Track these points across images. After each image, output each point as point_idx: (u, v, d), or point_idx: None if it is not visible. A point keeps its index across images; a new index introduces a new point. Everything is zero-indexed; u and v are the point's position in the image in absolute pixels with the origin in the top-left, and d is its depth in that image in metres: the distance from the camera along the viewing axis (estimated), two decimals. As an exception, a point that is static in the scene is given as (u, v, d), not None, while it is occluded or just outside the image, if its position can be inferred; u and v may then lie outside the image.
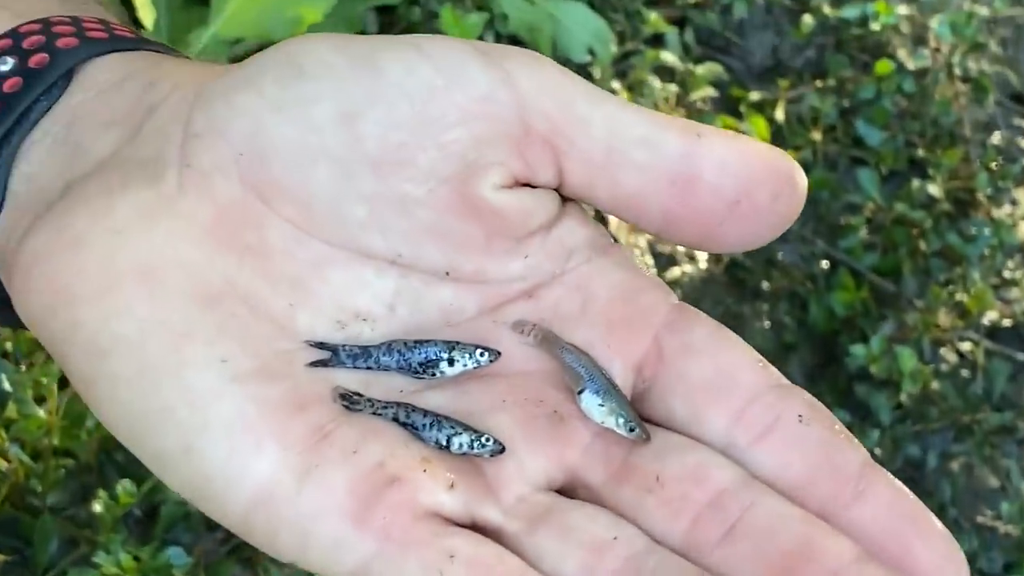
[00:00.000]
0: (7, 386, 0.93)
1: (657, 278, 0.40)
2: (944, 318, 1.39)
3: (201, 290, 0.37)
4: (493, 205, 0.38)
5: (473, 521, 0.36)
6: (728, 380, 0.37)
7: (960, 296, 1.40)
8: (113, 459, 1.03)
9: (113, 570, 0.91)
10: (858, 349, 1.31)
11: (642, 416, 0.38)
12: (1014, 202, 1.57)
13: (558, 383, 0.38)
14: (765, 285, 1.42)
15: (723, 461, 0.36)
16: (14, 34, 0.40)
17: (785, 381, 0.37)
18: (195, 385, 0.36)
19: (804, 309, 1.42)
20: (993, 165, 1.53)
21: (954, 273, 1.42)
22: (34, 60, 0.39)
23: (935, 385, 1.36)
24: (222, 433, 0.35)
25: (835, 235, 1.47)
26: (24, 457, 0.96)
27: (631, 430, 0.37)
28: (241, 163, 0.37)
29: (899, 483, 0.35)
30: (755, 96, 1.50)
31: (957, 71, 1.58)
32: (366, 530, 0.35)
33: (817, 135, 1.50)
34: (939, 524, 0.35)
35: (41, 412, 0.95)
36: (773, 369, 0.38)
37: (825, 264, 1.45)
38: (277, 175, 0.37)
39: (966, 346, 1.42)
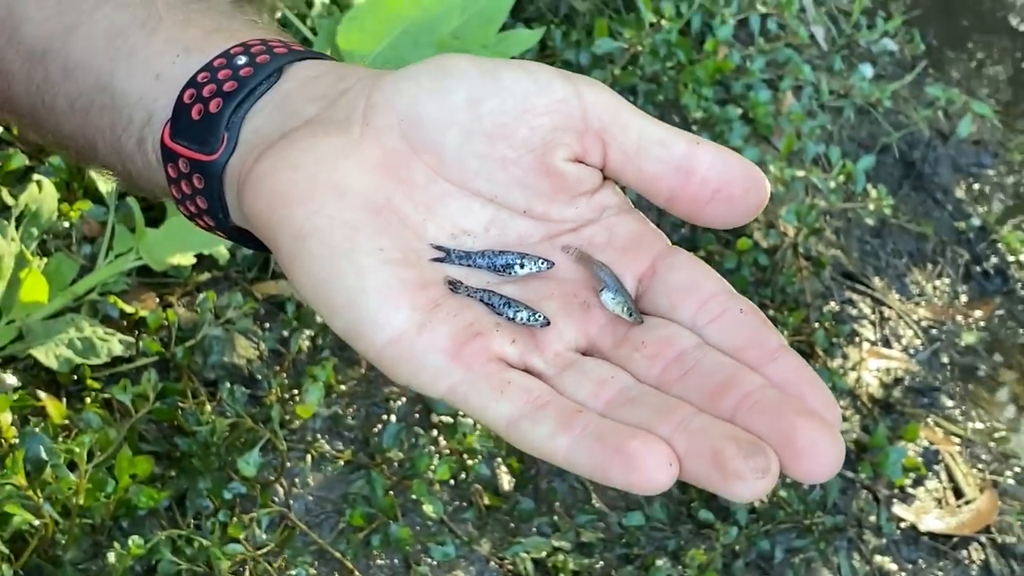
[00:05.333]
0: (45, 455, 1.09)
1: (659, 230, 0.50)
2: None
3: (370, 203, 0.47)
4: (560, 171, 0.49)
5: (525, 366, 0.47)
6: (696, 285, 0.48)
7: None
8: (120, 524, 1.17)
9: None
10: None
11: (640, 308, 0.48)
12: (844, 356, 1.77)
13: (588, 285, 0.49)
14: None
15: (687, 334, 0.47)
16: (244, 44, 0.53)
17: (734, 291, 0.48)
18: (360, 264, 0.46)
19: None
20: (828, 325, 1.74)
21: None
22: (259, 59, 0.51)
23: (782, 493, 1.50)
24: (374, 296, 0.46)
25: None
26: (55, 514, 1.08)
27: (630, 315, 0.48)
28: (401, 125, 0.48)
29: (803, 361, 0.45)
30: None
31: (801, 250, 1.74)
32: (456, 363, 0.46)
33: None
34: (825, 387, 0.44)
35: (72, 476, 1.09)
36: (727, 284, 0.48)
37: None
38: (424, 135, 0.48)
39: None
